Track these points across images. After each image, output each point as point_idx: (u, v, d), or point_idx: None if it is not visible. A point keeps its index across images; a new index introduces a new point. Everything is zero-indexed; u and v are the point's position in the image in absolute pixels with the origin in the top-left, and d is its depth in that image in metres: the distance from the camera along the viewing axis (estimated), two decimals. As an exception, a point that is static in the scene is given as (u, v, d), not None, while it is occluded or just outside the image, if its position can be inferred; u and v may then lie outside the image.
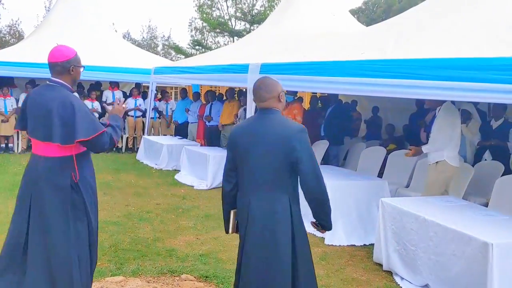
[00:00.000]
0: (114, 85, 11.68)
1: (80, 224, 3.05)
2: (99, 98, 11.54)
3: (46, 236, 2.98)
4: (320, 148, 7.97)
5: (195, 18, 37.16)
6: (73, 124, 2.92)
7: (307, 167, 2.65)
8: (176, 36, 62.59)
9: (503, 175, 5.98)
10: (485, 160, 6.65)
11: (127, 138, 11.85)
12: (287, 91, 8.14)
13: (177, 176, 8.58)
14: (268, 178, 2.72)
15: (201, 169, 8.08)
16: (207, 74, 8.55)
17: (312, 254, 2.87)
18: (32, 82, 11.07)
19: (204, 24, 35.08)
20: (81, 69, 3.15)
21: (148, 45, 41.42)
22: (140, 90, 12.58)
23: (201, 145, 9.88)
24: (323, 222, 2.81)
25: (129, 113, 11.59)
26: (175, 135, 11.41)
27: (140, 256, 4.57)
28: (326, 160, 8.23)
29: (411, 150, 5.63)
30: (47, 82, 3.10)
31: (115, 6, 48.97)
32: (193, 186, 7.88)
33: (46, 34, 11.95)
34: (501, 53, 3.98)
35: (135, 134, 11.81)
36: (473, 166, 6.58)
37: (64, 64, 3.05)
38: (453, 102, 5.34)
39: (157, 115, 11.81)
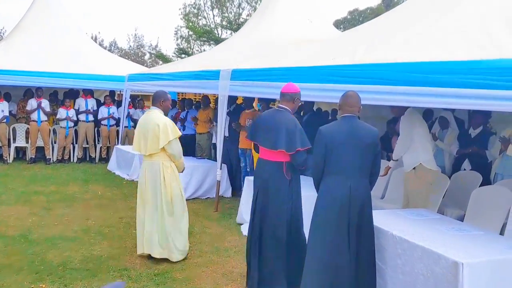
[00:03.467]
0: (88, 92, 11.30)
1: None
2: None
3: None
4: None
5: (181, 27, 36.96)
6: (294, 138, 3.98)
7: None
8: (164, 45, 62.21)
9: (482, 185, 5.74)
10: (464, 169, 6.40)
11: (101, 148, 11.47)
12: (259, 99, 7.89)
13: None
14: None
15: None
16: (179, 81, 8.23)
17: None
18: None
19: (190, 33, 34.84)
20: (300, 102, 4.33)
21: (136, 54, 41.10)
22: (115, 98, 12.22)
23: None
24: None
25: (102, 122, 11.24)
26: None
27: (89, 276, 4.22)
28: (302, 171, 7.91)
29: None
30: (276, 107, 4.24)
31: (101, 15, 48.66)
32: (162, 198, 7.52)
33: (18, 40, 11.62)
34: (474, 57, 3.73)
35: (109, 144, 11.43)
36: (451, 176, 6.35)
37: (292, 95, 4.21)
38: (430, 110, 5.11)
39: (132, 123, 11.44)
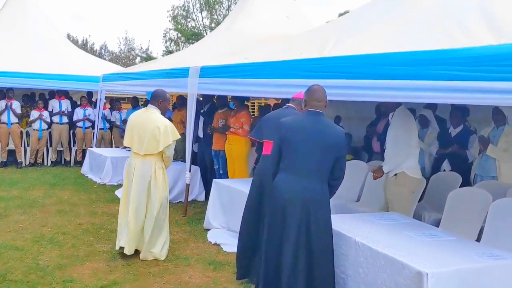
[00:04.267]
0: (62, 94, 10.91)
1: None
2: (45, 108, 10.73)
3: None
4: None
5: (170, 29, 36.65)
6: None
7: None
8: (155, 48, 61.83)
9: (462, 187, 5.42)
10: (444, 170, 6.08)
11: (76, 150, 11.08)
12: (232, 97, 7.54)
13: (118, 192, 7.84)
14: None
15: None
16: (149, 80, 7.88)
17: None
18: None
19: (179, 35, 34.57)
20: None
21: (127, 57, 40.69)
22: (93, 100, 11.83)
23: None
24: None
25: (77, 124, 10.86)
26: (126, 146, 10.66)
27: (28, 289, 3.85)
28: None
29: (373, 173, 4.95)
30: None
31: (91, 18, 48.25)
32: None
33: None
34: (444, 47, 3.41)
35: (84, 147, 11.03)
36: (430, 177, 6.04)
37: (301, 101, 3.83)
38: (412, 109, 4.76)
39: (108, 125, 11.07)
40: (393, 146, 4.65)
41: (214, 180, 5.99)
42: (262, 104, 11.33)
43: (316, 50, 4.87)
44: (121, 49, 42.41)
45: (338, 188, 3.59)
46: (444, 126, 6.62)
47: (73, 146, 11.18)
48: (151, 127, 4.56)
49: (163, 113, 4.84)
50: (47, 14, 12.68)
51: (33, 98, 11.49)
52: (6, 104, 10.00)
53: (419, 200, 5.85)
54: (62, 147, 10.90)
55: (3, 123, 10.01)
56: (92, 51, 43.19)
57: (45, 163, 10.75)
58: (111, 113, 11.33)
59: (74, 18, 53.65)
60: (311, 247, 3.31)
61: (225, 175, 7.29)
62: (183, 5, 35.56)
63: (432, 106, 6.98)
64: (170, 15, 35.80)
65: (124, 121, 11.18)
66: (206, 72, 6.22)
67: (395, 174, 4.69)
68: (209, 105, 8.18)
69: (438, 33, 3.81)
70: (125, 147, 10.31)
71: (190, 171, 6.69)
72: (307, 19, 9.61)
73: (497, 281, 3.00)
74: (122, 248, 4.66)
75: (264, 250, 3.51)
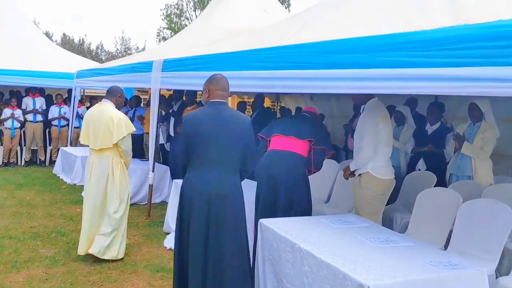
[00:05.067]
0: (36, 91, 10.55)
1: None
2: (18, 106, 10.36)
3: None
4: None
5: (164, 28, 36.38)
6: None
7: None
8: (151, 47, 61.38)
9: (436, 186, 5.07)
10: (419, 170, 5.73)
11: (51, 150, 10.72)
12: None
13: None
14: None
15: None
16: (117, 76, 7.53)
17: None
18: None
19: (173, 34, 34.28)
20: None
21: (123, 56, 40.37)
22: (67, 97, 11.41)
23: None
24: None
25: (52, 123, 10.51)
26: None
27: None
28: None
29: (343, 172, 4.61)
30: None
31: (88, 17, 47.88)
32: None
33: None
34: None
35: (60, 146, 10.66)
36: (404, 177, 5.70)
37: None
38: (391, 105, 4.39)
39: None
40: (359, 143, 4.31)
41: (174, 181, 5.63)
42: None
43: (276, 40, 4.53)
44: (117, 49, 42.21)
45: (248, 176, 3.46)
46: (423, 124, 6.25)
47: (49, 145, 10.83)
48: (104, 119, 4.46)
49: (118, 108, 4.72)
50: (24, 10, 12.22)
51: (11, 96, 11.10)
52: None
53: (393, 201, 5.54)
54: (36, 146, 10.55)
55: (-27, 121, 9.67)
56: (88, 51, 42.87)
57: (19, 163, 10.39)
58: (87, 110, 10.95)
59: (71, 18, 53.27)
60: (220, 244, 3.12)
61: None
62: (177, 3, 35.30)
63: (413, 103, 6.65)
64: (163, 13, 35.56)
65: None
66: (168, 65, 5.87)
67: (360, 175, 4.35)
68: (180, 103, 7.83)
69: (396, 19, 3.47)
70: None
71: (153, 171, 6.32)
72: (285, 12, 9.27)
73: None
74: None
75: (176, 249, 3.32)
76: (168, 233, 5.43)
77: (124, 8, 56.91)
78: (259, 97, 7.55)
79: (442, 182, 5.34)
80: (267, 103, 12.54)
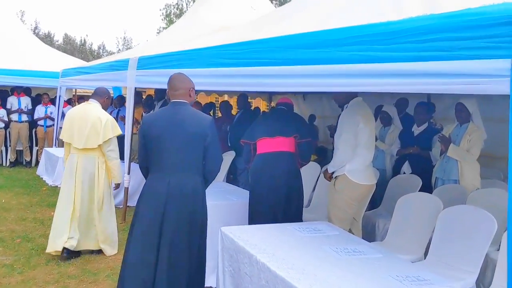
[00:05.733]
0: (21, 90, 10.33)
1: None
2: (3, 105, 10.14)
3: None
4: (225, 161, 6.73)
5: (163, 28, 36.17)
6: None
7: None
8: (150, 47, 61.22)
9: (421, 191, 4.80)
10: (404, 173, 5.46)
11: (37, 150, 10.50)
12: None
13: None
14: None
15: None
16: (96, 74, 7.30)
17: None
18: None
19: (172, 34, 33.94)
20: None
21: (125, 56, 40.26)
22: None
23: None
24: None
25: (38, 123, 10.29)
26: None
27: None
28: (234, 175, 6.99)
29: (324, 175, 4.42)
30: None
31: (89, 18, 47.79)
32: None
33: None
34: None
35: (46, 146, 10.44)
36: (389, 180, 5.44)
37: None
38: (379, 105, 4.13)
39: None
40: (337, 144, 4.05)
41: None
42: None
43: (250, 36, 4.28)
44: (119, 49, 42.15)
45: (214, 176, 3.27)
46: (411, 125, 5.98)
47: (35, 145, 10.61)
48: (92, 119, 4.48)
49: (104, 109, 4.76)
50: (11, 7, 11.99)
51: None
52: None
53: (377, 206, 5.28)
54: (22, 147, 10.33)
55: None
56: (90, 51, 42.79)
57: (4, 164, 10.18)
58: (72, 109, 10.74)
59: (72, 18, 53.18)
60: (172, 246, 2.99)
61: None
62: (177, 3, 35.11)
63: (403, 103, 6.37)
64: (163, 13, 35.37)
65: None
66: (143, 63, 5.64)
67: (336, 177, 4.09)
68: (162, 102, 7.59)
69: (370, 11, 3.21)
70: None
71: (129, 173, 6.07)
72: (273, 9, 9.00)
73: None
74: (60, 250, 4.43)
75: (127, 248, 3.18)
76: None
77: (126, 8, 56.79)
78: (243, 96, 7.29)
79: (427, 186, 5.06)
80: (263, 105, 12.26)
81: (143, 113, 7.98)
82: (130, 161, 6.09)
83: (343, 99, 4.18)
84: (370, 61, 2.51)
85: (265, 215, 4.09)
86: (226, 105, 7.77)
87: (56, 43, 41.13)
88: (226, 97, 9.40)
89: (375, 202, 5.46)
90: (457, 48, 2.04)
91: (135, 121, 8.09)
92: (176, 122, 3.09)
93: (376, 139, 5.66)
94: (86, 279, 4.03)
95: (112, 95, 8.39)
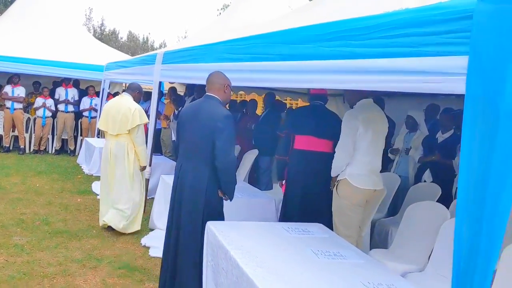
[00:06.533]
0: (68, 82, 10.80)
1: None
2: (52, 95, 10.64)
3: None
4: (247, 159, 6.72)
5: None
6: None
7: None
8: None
9: (439, 201, 4.57)
10: (425, 181, 5.22)
11: (81, 140, 10.93)
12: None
13: (94, 184, 7.49)
14: None
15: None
16: (130, 68, 7.50)
17: None
18: None
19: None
20: None
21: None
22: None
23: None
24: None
25: (83, 113, 10.73)
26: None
27: None
28: (257, 173, 6.96)
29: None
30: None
31: (151, 17, 49.28)
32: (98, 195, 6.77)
33: (5, 26, 11.30)
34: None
35: (90, 136, 10.85)
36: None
37: None
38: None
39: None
40: (336, 148, 3.94)
41: (162, 176, 5.46)
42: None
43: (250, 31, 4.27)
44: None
45: (227, 173, 3.28)
46: (436, 132, 5.71)
47: (80, 135, 11.06)
48: (124, 109, 5.04)
49: (136, 102, 5.26)
50: (64, 3, 12.58)
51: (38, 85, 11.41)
52: (12, 89, 10.00)
53: (394, 214, 5.09)
54: (67, 136, 10.80)
55: (7, 108, 10.01)
56: (152, 49, 43.99)
57: (50, 151, 10.68)
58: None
59: (136, 16, 55.13)
60: (179, 232, 3.35)
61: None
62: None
63: (433, 109, 6.10)
64: (220, 13, 35.82)
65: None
66: (168, 57, 5.72)
67: (338, 181, 3.96)
68: (192, 98, 7.67)
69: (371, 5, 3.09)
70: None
71: (150, 165, 6.18)
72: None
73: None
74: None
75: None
76: (153, 229, 5.28)
77: (187, 8, 58.16)
78: (270, 94, 7.25)
79: (448, 196, 4.83)
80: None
81: (175, 111, 8.11)
82: (152, 153, 6.19)
83: (353, 100, 4.04)
84: (348, 57, 2.42)
85: (297, 213, 4.34)
86: (252, 104, 7.75)
87: (121, 40, 42.62)
88: (255, 96, 9.36)
89: (395, 210, 5.27)
90: (421, 44, 1.92)
91: (164, 117, 8.28)
92: (196, 113, 3.35)
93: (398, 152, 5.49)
94: (88, 264, 4.15)
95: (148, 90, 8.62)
